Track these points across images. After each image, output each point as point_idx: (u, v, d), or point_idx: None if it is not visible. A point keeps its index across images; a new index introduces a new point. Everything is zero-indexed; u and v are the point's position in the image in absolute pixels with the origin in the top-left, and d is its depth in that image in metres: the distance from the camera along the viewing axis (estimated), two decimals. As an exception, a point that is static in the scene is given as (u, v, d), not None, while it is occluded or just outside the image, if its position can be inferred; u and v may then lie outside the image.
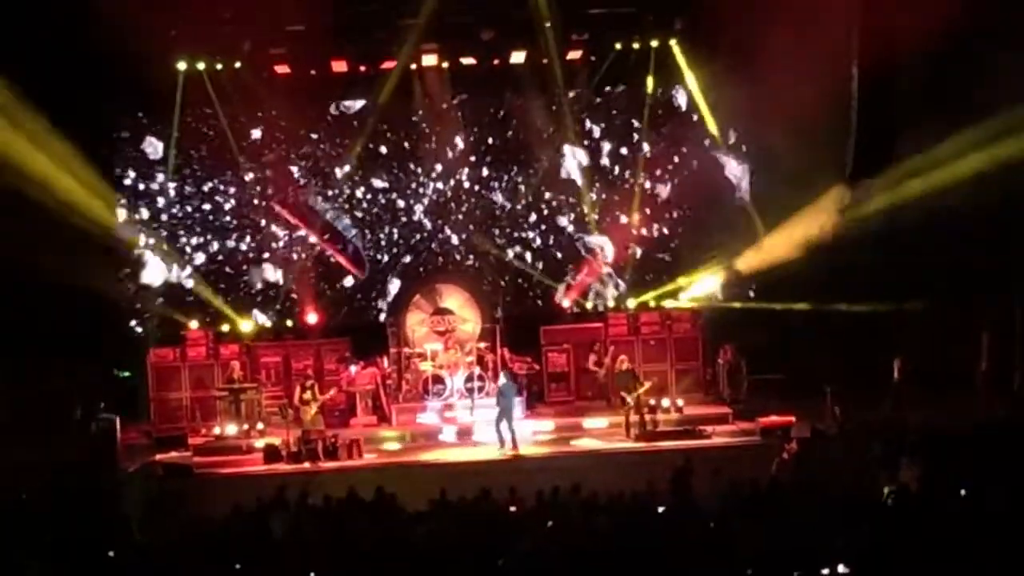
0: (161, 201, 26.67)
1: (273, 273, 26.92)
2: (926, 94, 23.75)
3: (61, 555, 15.89)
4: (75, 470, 21.35)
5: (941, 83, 23.46)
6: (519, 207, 27.55)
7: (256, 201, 26.93)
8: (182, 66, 25.27)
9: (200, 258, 26.81)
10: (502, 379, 22.97)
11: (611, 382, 24.39)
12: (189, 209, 26.79)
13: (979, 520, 15.66)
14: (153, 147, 26.51)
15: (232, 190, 26.90)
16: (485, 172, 27.55)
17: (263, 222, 26.93)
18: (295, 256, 26.97)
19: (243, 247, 26.99)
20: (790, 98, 23.31)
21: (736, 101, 26.08)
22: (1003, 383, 24.13)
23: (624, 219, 27.47)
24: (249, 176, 26.81)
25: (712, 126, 26.83)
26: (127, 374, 25.75)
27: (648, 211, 27.50)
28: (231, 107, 26.12)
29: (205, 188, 26.82)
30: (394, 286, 27.18)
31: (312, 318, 26.37)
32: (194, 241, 26.81)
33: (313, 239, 26.99)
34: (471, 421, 23.53)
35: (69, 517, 17.33)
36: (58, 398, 22.81)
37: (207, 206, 26.86)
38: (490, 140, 27.46)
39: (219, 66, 25.35)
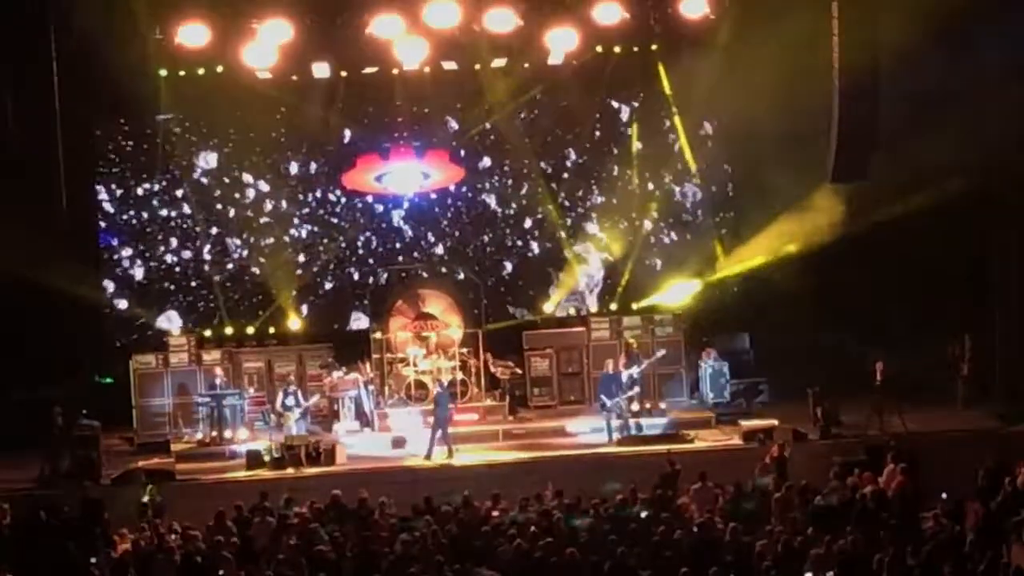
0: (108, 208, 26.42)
1: (171, 322, 26.48)
2: (907, 97, 23.83)
3: (44, 564, 15.89)
4: (58, 477, 21.34)
5: (922, 86, 23.55)
6: (510, 211, 27.54)
7: (219, 206, 26.76)
8: (163, 72, 25.18)
9: (139, 272, 26.49)
10: (436, 389, 23.00)
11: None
12: (145, 216, 26.53)
13: (958, 525, 15.78)
14: None
15: (180, 193, 26.54)
16: (471, 176, 27.46)
17: (214, 230, 26.72)
18: (255, 269, 26.71)
19: (204, 256, 26.67)
20: (771, 101, 23.39)
21: (716, 104, 26.14)
22: (983, 388, 24.18)
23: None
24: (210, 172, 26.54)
25: (682, 135, 26.91)
26: (109, 380, 25.65)
27: (656, 213, 27.56)
28: (211, 112, 26.07)
29: (175, 192, 26.61)
30: (375, 291, 26.99)
31: (294, 324, 26.31)
32: (127, 252, 26.41)
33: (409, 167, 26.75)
34: (403, 434, 23.41)
35: (52, 526, 17.32)
36: (40, 405, 22.68)
37: (164, 211, 26.53)
38: (475, 144, 27.35)
39: (200, 71, 25.25)
